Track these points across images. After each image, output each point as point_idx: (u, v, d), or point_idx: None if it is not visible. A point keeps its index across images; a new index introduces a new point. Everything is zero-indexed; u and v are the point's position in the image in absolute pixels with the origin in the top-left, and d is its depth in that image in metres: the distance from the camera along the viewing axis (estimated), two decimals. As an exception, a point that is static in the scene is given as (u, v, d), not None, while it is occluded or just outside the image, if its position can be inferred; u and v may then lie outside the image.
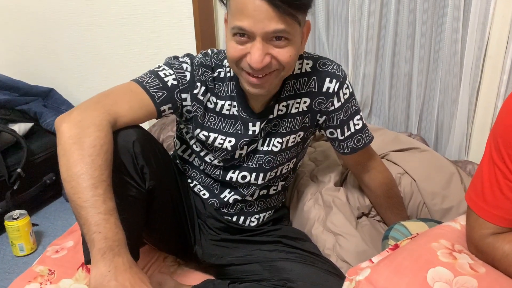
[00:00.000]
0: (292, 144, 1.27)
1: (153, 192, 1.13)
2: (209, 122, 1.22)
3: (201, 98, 1.18)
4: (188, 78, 1.15)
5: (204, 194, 1.34)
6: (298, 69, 1.21)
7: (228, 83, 1.19)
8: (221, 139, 1.22)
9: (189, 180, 1.36)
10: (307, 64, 1.21)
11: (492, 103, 1.61)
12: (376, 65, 1.79)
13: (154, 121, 1.93)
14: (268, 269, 1.24)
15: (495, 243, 0.91)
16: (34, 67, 2.49)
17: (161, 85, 1.12)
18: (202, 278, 1.35)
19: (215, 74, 1.19)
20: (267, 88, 1.10)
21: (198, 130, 1.22)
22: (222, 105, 1.20)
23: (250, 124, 1.21)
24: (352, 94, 1.25)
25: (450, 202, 1.41)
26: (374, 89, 1.83)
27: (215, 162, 1.27)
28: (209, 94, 1.19)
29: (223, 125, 1.22)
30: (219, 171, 1.29)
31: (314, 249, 1.30)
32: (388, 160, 1.53)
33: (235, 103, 1.20)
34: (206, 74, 1.17)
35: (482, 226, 0.92)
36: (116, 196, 0.96)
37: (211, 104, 1.20)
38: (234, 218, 1.36)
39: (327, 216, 1.40)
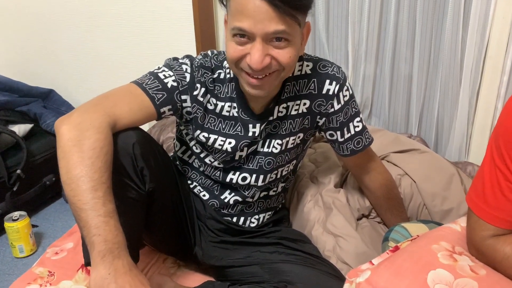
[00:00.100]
0: (292, 145, 1.27)
1: (153, 194, 1.13)
2: (209, 124, 1.21)
3: (201, 99, 1.18)
4: (188, 79, 1.15)
5: (204, 195, 1.34)
6: (298, 71, 1.21)
7: (228, 85, 1.19)
8: (221, 140, 1.22)
9: (189, 182, 1.36)
10: (307, 66, 1.21)
11: (492, 104, 1.61)
12: (376, 66, 1.79)
13: (154, 122, 1.93)
14: (268, 271, 1.24)
15: (495, 245, 0.91)
16: (34, 68, 2.49)
17: (160, 87, 1.12)
18: (202, 279, 1.35)
19: (215, 76, 1.19)
20: (267, 89, 1.09)
21: (198, 132, 1.22)
22: (222, 107, 1.20)
23: (250, 125, 1.21)
24: (352, 96, 1.25)
25: (450, 204, 1.41)
26: (374, 90, 1.83)
27: (215, 163, 1.27)
28: (209, 96, 1.19)
29: (223, 126, 1.22)
30: (219, 172, 1.28)
31: (314, 251, 1.30)
32: (388, 162, 1.53)
33: (235, 104, 1.20)
34: (206, 75, 1.17)
35: (483, 228, 0.92)
36: (116, 198, 0.96)
37: (211, 105, 1.20)
38: (234, 219, 1.35)
39: (327, 217, 1.40)
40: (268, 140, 1.25)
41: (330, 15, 1.79)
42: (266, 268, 1.25)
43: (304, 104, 1.23)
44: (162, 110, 1.13)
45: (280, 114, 1.22)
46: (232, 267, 1.30)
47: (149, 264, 1.41)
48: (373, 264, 1.03)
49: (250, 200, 1.33)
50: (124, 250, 0.91)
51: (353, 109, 1.26)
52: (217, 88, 1.19)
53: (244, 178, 1.28)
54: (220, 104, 1.20)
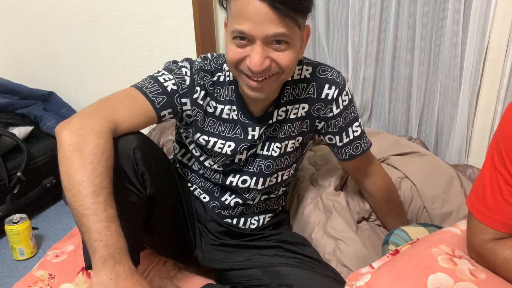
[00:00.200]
0: (291, 149, 1.27)
1: (153, 197, 1.13)
2: (208, 126, 1.22)
3: (201, 102, 1.18)
4: (187, 82, 1.15)
5: (204, 198, 1.35)
6: (298, 74, 1.21)
7: (228, 87, 1.19)
8: (221, 143, 1.22)
9: (189, 184, 1.37)
10: (307, 70, 1.21)
11: (492, 107, 1.61)
12: (376, 69, 1.79)
13: (154, 125, 1.93)
14: (268, 274, 1.24)
15: (495, 248, 0.91)
16: (34, 71, 2.49)
17: (160, 90, 1.12)
18: (202, 282, 1.35)
19: (215, 78, 1.19)
20: (267, 92, 1.09)
21: (198, 135, 1.22)
22: (222, 109, 1.21)
23: (250, 128, 1.21)
24: (351, 101, 1.25)
25: (450, 207, 1.41)
26: (374, 93, 1.84)
27: (215, 166, 1.27)
28: (208, 99, 1.19)
29: (223, 129, 1.22)
30: (218, 175, 1.29)
31: (314, 254, 1.30)
32: (388, 164, 1.54)
33: (234, 107, 1.20)
34: (205, 78, 1.17)
35: (483, 232, 0.92)
36: (117, 202, 0.96)
37: (210, 108, 1.20)
38: (235, 221, 1.36)
39: (327, 220, 1.40)
40: (267, 143, 1.25)
41: (330, 18, 1.79)
42: (267, 271, 1.25)
43: (303, 108, 1.23)
44: (162, 113, 1.13)
45: (279, 118, 1.22)
46: (232, 270, 1.30)
47: (150, 266, 1.41)
48: (373, 268, 1.04)
49: (251, 202, 1.34)
50: (126, 255, 0.91)
51: (352, 114, 1.26)
52: (216, 91, 1.20)
53: (244, 181, 1.28)
54: (219, 107, 1.20)
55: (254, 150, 1.25)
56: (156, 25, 2.06)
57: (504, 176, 0.88)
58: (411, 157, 1.55)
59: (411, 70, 1.72)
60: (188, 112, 1.18)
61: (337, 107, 1.23)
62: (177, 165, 1.38)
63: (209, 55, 1.22)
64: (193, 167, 1.33)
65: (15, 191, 1.94)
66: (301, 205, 1.47)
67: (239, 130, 1.22)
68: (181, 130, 1.29)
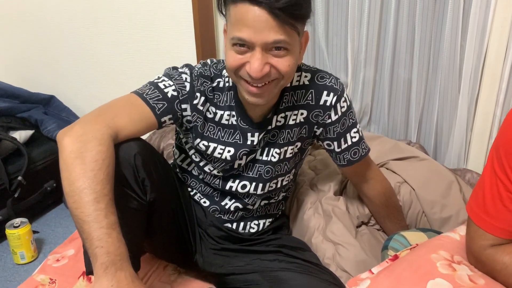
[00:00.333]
0: (291, 155, 1.28)
1: (154, 203, 1.14)
2: (208, 132, 1.22)
3: (201, 108, 1.18)
4: (187, 88, 1.16)
5: (204, 202, 1.35)
6: (296, 81, 1.21)
7: (227, 93, 1.20)
8: (221, 149, 1.23)
9: (189, 189, 1.37)
10: (305, 76, 1.22)
11: (491, 111, 1.62)
12: (375, 73, 1.79)
13: (154, 129, 1.93)
14: (268, 279, 1.24)
15: (494, 254, 0.91)
16: (35, 75, 2.49)
17: (161, 97, 1.13)
18: (202, 287, 1.36)
19: (214, 84, 1.20)
20: (266, 98, 1.10)
21: (198, 140, 1.23)
22: (221, 115, 1.21)
23: (249, 134, 1.21)
24: (349, 107, 1.26)
25: (449, 211, 1.42)
26: (374, 97, 1.84)
27: (215, 172, 1.28)
28: (208, 104, 1.20)
29: (222, 134, 1.23)
30: (218, 180, 1.29)
31: (314, 259, 1.30)
32: (387, 169, 1.54)
33: (234, 112, 1.21)
34: (205, 84, 1.18)
35: (482, 237, 0.92)
36: (118, 208, 0.96)
37: (210, 114, 1.21)
38: (234, 225, 1.36)
39: (326, 225, 1.40)
40: (266, 149, 1.26)
41: (330, 22, 1.80)
42: (266, 276, 1.25)
43: (302, 114, 1.24)
44: (162, 119, 1.13)
45: (278, 124, 1.23)
46: (233, 275, 1.31)
47: (150, 271, 1.42)
48: (372, 273, 1.04)
49: (251, 207, 1.34)
50: (127, 262, 0.92)
51: (350, 120, 1.27)
52: (216, 96, 1.20)
53: (243, 186, 1.29)
54: (219, 112, 1.21)
55: (253, 155, 1.25)
56: (156, 29, 2.07)
57: (504, 183, 0.88)
58: (410, 161, 1.56)
59: (410, 74, 1.73)
60: (188, 118, 1.19)
61: (335, 113, 1.24)
62: (177, 170, 1.38)
63: (208, 61, 1.23)
64: (193, 172, 1.34)
65: (16, 195, 1.94)
66: (301, 209, 1.48)
67: (238, 135, 1.22)
68: (181, 136, 1.30)
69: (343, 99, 1.23)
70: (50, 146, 2.16)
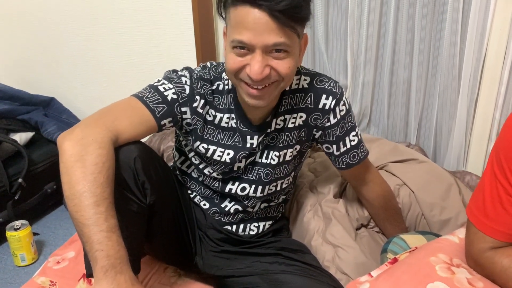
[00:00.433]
0: (290, 158, 1.28)
1: (154, 206, 1.14)
2: (208, 135, 1.23)
3: (201, 111, 1.19)
4: (187, 91, 1.16)
5: (204, 205, 1.35)
6: (296, 84, 1.22)
7: (227, 96, 1.20)
8: (220, 151, 1.23)
9: (189, 191, 1.37)
10: (304, 80, 1.22)
11: (490, 114, 1.62)
12: (375, 75, 1.80)
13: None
14: (268, 282, 1.25)
15: (493, 257, 0.91)
16: (35, 77, 2.49)
17: (161, 100, 1.13)
18: (202, 289, 1.36)
19: (214, 87, 1.20)
20: (267, 100, 1.10)
21: (198, 143, 1.23)
22: (221, 118, 1.22)
23: (248, 137, 1.22)
24: (348, 110, 1.26)
25: (448, 214, 1.42)
26: (373, 99, 1.85)
27: (214, 174, 1.28)
28: (208, 107, 1.20)
29: (222, 137, 1.23)
30: (218, 183, 1.30)
31: (313, 261, 1.31)
32: (387, 171, 1.54)
33: (233, 115, 1.21)
34: (205, 87, 1.18)
35: (482, 240, 0.92)
36: (118, 211, 0.97)
37: (210, 116, 1.21)
38: (234, 227, 1.36)
39: (326, 227, 1.40)
40: (266, 152, 1.26)
41: (329, 25, 1.80)
42: (266, 278, 1.26)
43: (301, 117, 1.24)
44: (162, 122, 1.14)
45: (277, 127, 1.23)
46: (232, 277, 1.31)
47: (150, 273, 1.42)
48: (372, 276, 1.05)
49: (251, 210, 1.34)
50: (126, 265, 0.92)
51: (349, 123, 1.27)
52: (216, 99, 1.21)
53: (243, 189, 1.29)
54: (219, 115, 1.21)
55: (253, 158, 1.26)
56: (156, 32, 2.07)
57: (504, 186, 0.88)
58: (409, 164, 1.56)
59: (410, 76, 1.73)
60: (188, 120, 1.19)
61: (334, 117, 1.24)
62: (177, 172, 1.38)
63: (208, 64, 1.23)
64: (193, 174, 1.34)
65: (16, 197, 1.94)
66: (301, 212, 1.48)
67: (238, 138, 1.23)
68: (181, 138, 1.30)
69: (342, 102, 1.24)
70: (50, 148, 2.15)
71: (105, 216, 0.91)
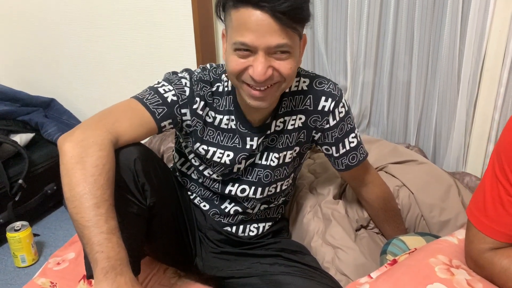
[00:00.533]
0: (290, 159, 1.29)
1: (154, 208, 1.14)
2: (208, 136, 1.23)
3: (200, 112, 1.19)
4: (187, 93, 1.16)
5: (204, 206, 1.36)
6: (295, 86, 1.22)
7: (226, 98, 1.20)
8: (220, 153, 1.23)
9: (189, 193, 1.38)
10: (304, 82, 1.23)
11: (490, 115, 1.62)
12: (374, 77, 1.80)
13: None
14: (268, 283, 1.25)
15: (493, 257, 0.91)
16: (35, 78, 2.49)
17: (161, 101, 1.13)
18: (202, 290, 1.36)
19: (214, 89, 1.20)
20: (269, 101, 1.11)
21: (197, 144, 1.23)
22: (221, 119, 1.22)
23: (248, 138, 1.22)
24: (347, 112, 1.27)
25: (448, 215, 1.42)
26: (373, 100, 1.85)
27: (214, 176, 1.28)
28: (208, 109, 1.20)
29: (221, 138, 1.23)
30: (218, 184, 1.30)
31: (313, 263, 1.31)
32: (386, 173, 1.55)
33: (233, 117, 1.21)
34: (205, 89, 1.18)
35: (482, 241, 0.93)
36: (118, 213, 0.97)
37: (209, 118, 1.21)
38: (234, 229, 1.37)
39: (326, 229, 1.41)
40: (266, 153, 1.26)
41: (329, 26, 1.80)
42: (266, 280, 1.26)
43: (300, 119, 1.24)
44: (162, 124, 1.14)
45: (277, 128, 1.24)
46: (232, 278, 1.31)
47: (150, 274, 1.42)
48: (371, 278, 1.05)
49: (251, 211, 1.35)
50: (127, 267, 0.92)
51: (349, 125, 1.28)
52: (215, 101, 1.21)
53: (243, 190, 1.29)
54: (218, 117, 1.22)
55: (252, 159, 1.26)
56: (156, 33, 2.07)
57: (505, 187, 0.88)
58: (409, 165, 1.56)
59: (409, 77, 1.73)
60: (188, 122, 1.20)
61: (334, 118, 1.25)
62: (177, 174, 1.39)
63: (208, 66, 1.23)
64: (193, 176, 1.35)
65: (16, 198, 1.94)
66: (300, 213, 1.48)
67: (237, 139, 1.23)
68: (181, 140, 1.30)
69: (341, 104, 1.24)
70: (50, 149, 2.16)
71: (105, 218, 0.92)
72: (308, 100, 1.23)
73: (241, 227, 1.37)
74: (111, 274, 0.89)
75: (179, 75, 1.20)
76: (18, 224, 1.81)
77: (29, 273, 1.78)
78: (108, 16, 2.15)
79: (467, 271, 0.97)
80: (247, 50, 1.02)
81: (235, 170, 1.26)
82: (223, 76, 1.20)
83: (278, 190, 1.33)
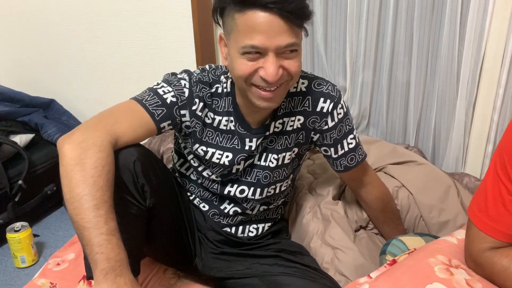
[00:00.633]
0: (288, 160, 1.29)
1: (153, 209, 1.14)
2: (207, 137, 1.23)
3: (200, 114, 1.19)
4: (186, 94, 1.17)
5: (204, 207, 1.36)
6: (294, 87, 1.22)
7: (225, 99, 1.21)
8: (219, 154, 1.24)
9: (188, 193, 1.38)
10: (302, 83, 1.23)
11: (489, 116, 1.62)
12: (374, 77, 1.80)
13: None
14: (267, 283, 1.25)
15: (493, 257, 0.92)
16: (35, 78, 2.49)
17: (160, 103, 1.13)
18: (202, 291, 1.37)
19: (213, 90, 1.20)
20: (278, 101, 1.11)
21: (196, 145, 1.24)
22: (220, 121, 1.22)
23: (247, 139, 1.22)
24: (346, 114, 1.27)
25: (447, 215, 1.42)
26: (372, 101, 1.85)
27: (213, 177, 1.29)
28: (207, 110, 1.21)
29: (220, 139, 1.23)
30: (217, 185, 1.30)
31: (313, 263, 1.31)
32: (385, 173, 1.55)
33: (232, 118, 1.21)
34: (204, 90, 1.19)
35: (482, 240, 0.93)
36: (117, 214, 0.97)
37: (209, 119, 1.22)
38: (233, 229, 1.37)
39: (325, 229, 1.41)
40: (264, 154, 1.26)
41: (328, 27, 1.80)
42: (266, 280, 1.26)
43: (299, 120, 1.25)
44: (162, 125, 1.14)
45: (276, 130, 1.24)
46: (232, 279, 1.31)
47: (150, 275, 1.42)
48: (371, 278, 1.05)
49: (250, 212, 1.35)
50: (126, 268, 0.93)
51: (347, 126, 1.28)
52: (214, 102, 1.21)
53: (242, 191, 1.29)
54: (217, 118, 1.22)
55: (251, 160, 1.26)
56: (156, 33, 2.07)
57: (506, 186, 0.89)
58: (408, 166, 1.56)
59: (409, 78, 1.74)
60: (187, 123, 1.20)
61: (332, 120, 1.25)
62: (176, 175, 1.39)
63: (207, 67, 1.24)
64: (192, 176, 1.35)
65: (16, 199, 1.94)
66: (300, 214, 1.48)
67: (236, 140, 1.23)
68: (180, 141, 1.31)
69: (339, 105, 1.24)
70: (50, 150, 2.16)
71: (105, 219, 0.92)
72: (307, 102, 1.23)
73: (241, 227, 1.37)
74: (111, 275, 0.89)
75: (178, 76, 1.20)
76: (18, 224, 1.82)
77: (29, 273, 1.79)
78: (108, 16, 2.15)
79: (467, 271, 0.97)
80: (257, 52, 1.02)
81: (234, 171, 1.27)
82: (222, 77, 1.21)
83: (277, 191, 1.33)
